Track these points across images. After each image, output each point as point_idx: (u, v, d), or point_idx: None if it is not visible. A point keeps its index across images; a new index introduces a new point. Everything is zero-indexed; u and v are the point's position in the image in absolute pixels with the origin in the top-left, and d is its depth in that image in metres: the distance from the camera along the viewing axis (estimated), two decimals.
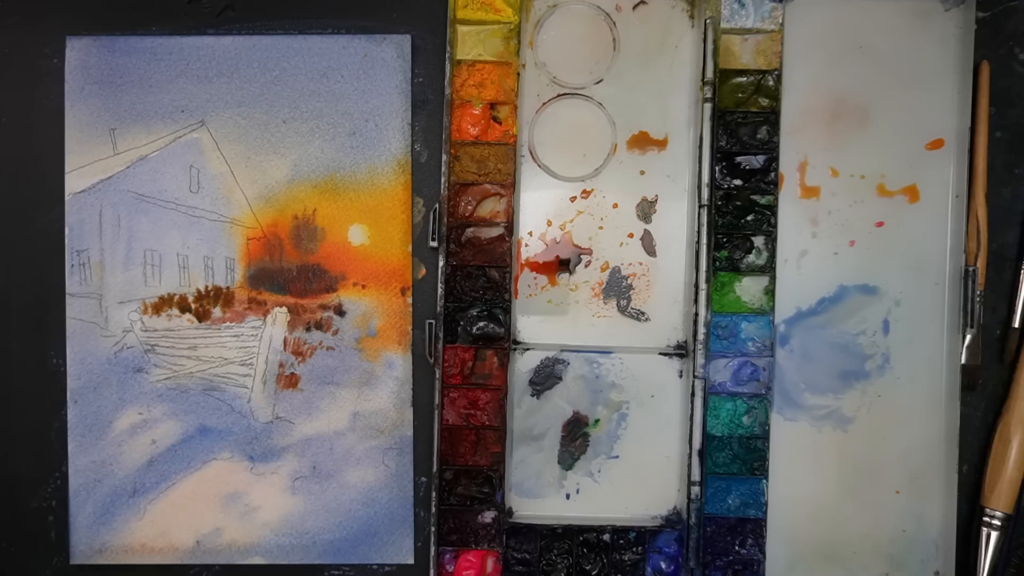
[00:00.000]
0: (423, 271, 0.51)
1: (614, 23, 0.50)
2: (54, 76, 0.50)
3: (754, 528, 0.50)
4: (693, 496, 0.49)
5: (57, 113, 0.50)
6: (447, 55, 0.49)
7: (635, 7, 0.50)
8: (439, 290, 0.49)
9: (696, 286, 0.49)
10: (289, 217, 0.51)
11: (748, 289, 0.50)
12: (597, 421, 0.51)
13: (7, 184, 0.51)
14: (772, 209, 0.50)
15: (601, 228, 0.51)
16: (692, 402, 0.49)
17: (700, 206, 0.48)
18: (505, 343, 0.49)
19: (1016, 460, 0.49)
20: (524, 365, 0.51)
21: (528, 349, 0.51)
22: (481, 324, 0.49)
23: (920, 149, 0.50)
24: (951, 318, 0.50)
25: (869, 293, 0.50)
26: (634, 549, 0.50)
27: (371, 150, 0.50)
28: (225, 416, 0.51)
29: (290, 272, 0.51)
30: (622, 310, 0.51)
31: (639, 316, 0.51)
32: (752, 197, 0.50)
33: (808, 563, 0.50)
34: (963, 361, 0.50)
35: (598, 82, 0.51)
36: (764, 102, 0.49)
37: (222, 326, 0.51)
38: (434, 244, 0.49)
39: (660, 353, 0.51)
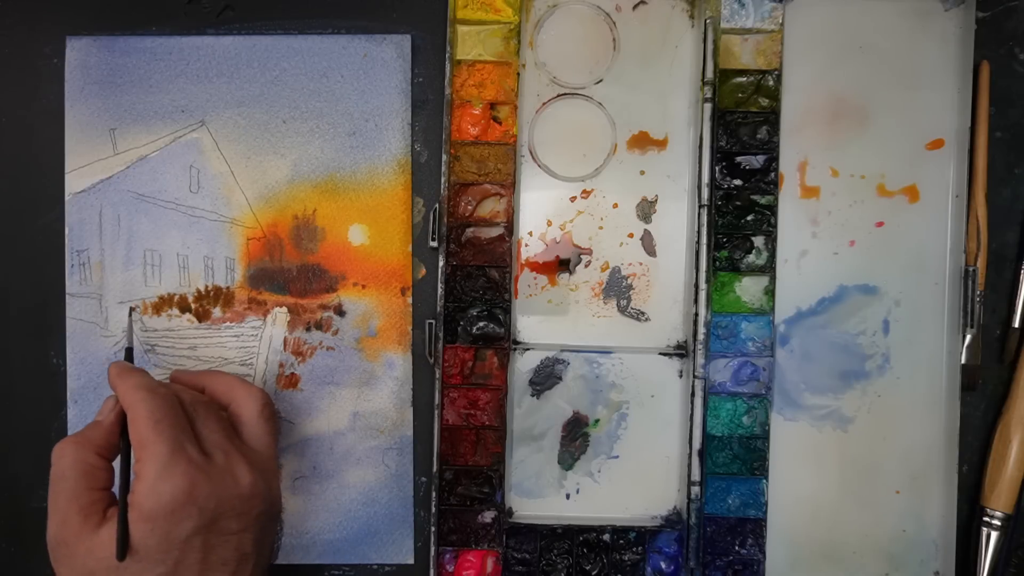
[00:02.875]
0: (423, 271, 0.51)
1: (614, 23, 0.50)
2: (54, 76, 0.50)
3: (754, 528, 0.50)
4: (693, 496, 0.49)
5: (57, 113, 0.50)
6: (447, 55, 0.49)
7: (635, 7, 0.50)
8: (439, 290, 0.49)
9: (696, 286, 0.49)
10: (289, 217, 0.51)
11: (748, 289, 0.50)
12: (597, 421, 0.51)
13: (7, 184, 0.51)
14: (772, 209, 0.50)
15: (601, 228, 0.51)
16: (692, 402, 0.49)
17: (700, 206, 0.48)
18: (505, 343, 0.49)
19: (1016, 460, 0.49)
20: (524, 365, 0.51)
21: (528, 349, 0.51)
22: (481, 324, 0.49)
23: (920, 149, 0.50)
24: (951, 318, 0.50)
25: (869, 293, 0.50)
26: (634, 549, 0.50)
27: (371, 150, 0.50)
28: None
29: (290, 272, 0.51)
30: (622, 310, 0.51)
31: (639, 316, 0.51)
32: (752, 197, 0.50)
33: (808, 563, 0.50)
34: (963, 361, 0.50)
35: (598, 82, 0.51)
36: (764, 102, 0.49)
37: (222, 326, 0.51)
38: (434, 244, 0.49)
39: (660, 353, 0.51)
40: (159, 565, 0.38)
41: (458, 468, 0.50)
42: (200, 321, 0.51)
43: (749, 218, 0.50)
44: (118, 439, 0.42)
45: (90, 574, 0.38)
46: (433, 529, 0.49)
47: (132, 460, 0.40)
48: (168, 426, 0.39)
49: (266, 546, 0.43)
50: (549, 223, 0.51)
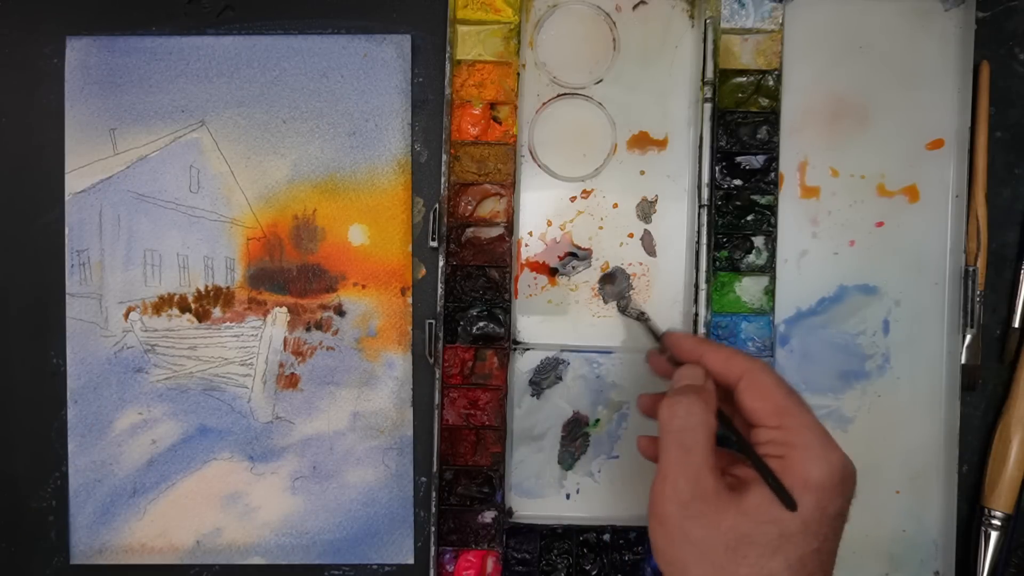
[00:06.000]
0: (423, 271, 0.51)
1: (614, 23, 0.50)
2: (54, 76, 0.50)
3: None
4: None
5: (57, 113, 0.50)
6: (447, 55, 0.49)
7: (635, 7, 0.50)
8: (439, 290, 0.49)
9: (696, 286, 0.49)
10: (289, 217, 0.51)
11: (748, 289, 0.50)
12: (597, 421, 0.51)
13: (7, 184, 0.51)
14: (772, 209, 0.50)
15: (601, 228, 0.51)
16: None
17: (700, 206, 0.48)
18: (505, 343, 0.49)
19: (1016, 460, 0.49)
20: (524, 365, 0.51)
21: (528, 349, 0.51)
22: (481, 324, 0.49)
23: (920, 149, 0.50)
24: (951, 318, 0.50)
25: (869, 293, 0.50)
26: (634, 549, 0.50)
27: (371, 150, 0.50)
28: (225, 416, 0.51)
29: (290, 272, 0.51)
30: (622, 310, 0.51)
31: (639, 316, 0.51)
32: (752, 197, 0.50)
33: None
34: (963, 361, 0.50)
35: (598, 82, 0.51)
36: (764, 102, 0.49)
37: (222, 326, 0.51)
38: (434, 244, 0.49)
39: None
40: (814, 539, 0.35)
41: (458, 468, 0.50)
42: (200, 321, 0.51)
43: (749, 218, 0.50)
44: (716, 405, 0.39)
45: (743, 537, 0.35)
46: (433, 529, 0.49)
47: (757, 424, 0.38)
48: (799, 397, 0.37)
49: None
50: (549, 223, 0.51)
